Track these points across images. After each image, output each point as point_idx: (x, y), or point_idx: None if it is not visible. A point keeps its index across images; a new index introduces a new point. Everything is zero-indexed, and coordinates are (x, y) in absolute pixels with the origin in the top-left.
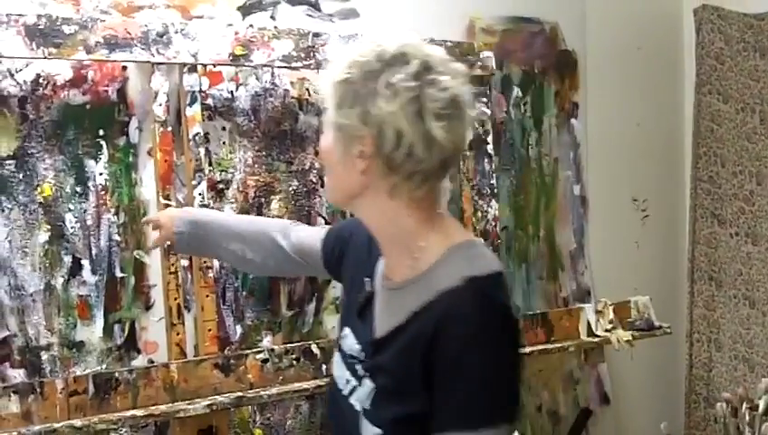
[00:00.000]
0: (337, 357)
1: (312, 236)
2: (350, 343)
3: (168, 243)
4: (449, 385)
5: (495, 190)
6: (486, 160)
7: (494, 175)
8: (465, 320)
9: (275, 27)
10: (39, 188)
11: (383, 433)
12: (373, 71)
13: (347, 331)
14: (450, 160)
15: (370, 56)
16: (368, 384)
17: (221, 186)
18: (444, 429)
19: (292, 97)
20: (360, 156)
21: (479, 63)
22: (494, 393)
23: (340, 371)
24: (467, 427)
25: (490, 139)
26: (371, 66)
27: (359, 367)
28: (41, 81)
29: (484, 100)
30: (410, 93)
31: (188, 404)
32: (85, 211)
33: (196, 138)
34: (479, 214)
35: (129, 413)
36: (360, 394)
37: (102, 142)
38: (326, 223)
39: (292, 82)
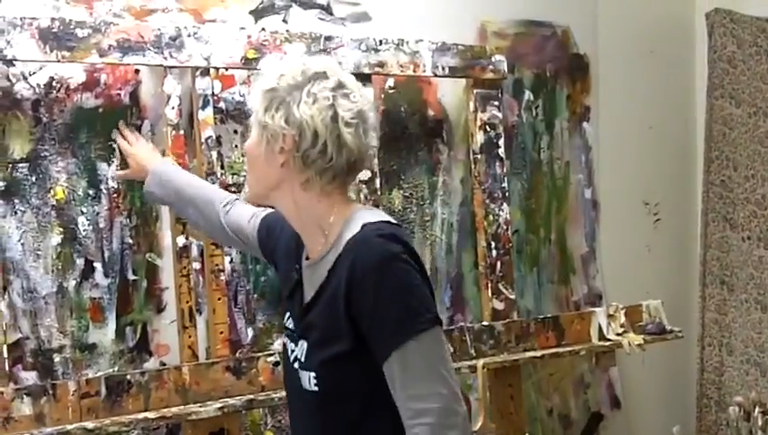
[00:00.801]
0: (285, 336)
1: (245, 217)
2: (290, 321)
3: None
4: (377, 317)
5: (507, 194)
6: (498, 164)
7: (505, 178)
8: (370, 255)
9: (287, 31)
10: (52, 191)
11: (316, 375)
12: (298, 83)
13: (288, 312)
14: (357, 163)
15: (297, 71)
16: (302, 344)
17: (233, 189)
18: (389, 352)
19: None
20: (281, 151)
21: (491, 67)
22: (415, 305)
23: (287, 342)
24: (407, 338)
25: (501, 142)
26: (296, 79)
27: (296, 335)
28: (54, 84)
29: (496, 103)
30: (327, 102)
31: (200, 407)
32: (98, 214)
33: (209, 141)
34: (490, 217)
35: (140, 416)
36: (299, 356)
37: (115, 146)
38: None
39: None
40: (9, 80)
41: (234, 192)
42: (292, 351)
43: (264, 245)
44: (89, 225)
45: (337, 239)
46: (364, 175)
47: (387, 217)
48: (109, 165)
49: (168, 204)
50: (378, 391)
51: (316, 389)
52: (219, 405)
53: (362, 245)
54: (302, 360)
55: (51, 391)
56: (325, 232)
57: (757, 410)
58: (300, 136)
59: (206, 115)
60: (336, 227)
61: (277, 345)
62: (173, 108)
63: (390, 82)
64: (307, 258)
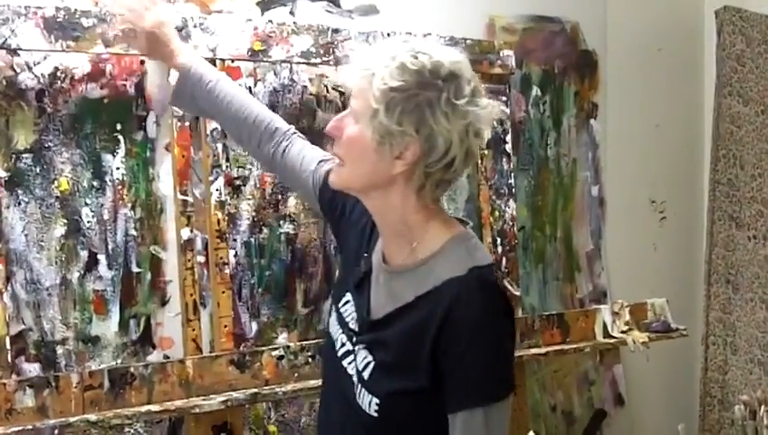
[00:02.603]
0: (334, 317)
1: (310, 162)
2: (349, 309)
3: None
4: (462, 367)
5: (513, 190)
6: (504, 160)
7: (512, 175)
8: (473, 305)
9: (294, 23)
10: (56, 182)
11: (380, 402)
12: (429, 84)
13: (348, 296)
14: None
15: (425, 68)
16: (363, 356)
17: (238, 182)
18: (458, 408)
19: (311, 93)
20: (400, 157)
21: (499, 62)
22: (500, 371)
23: (335, 330)
24: (480, 403)
25: (509, 138)
26: (425, 78)
27: (353, 336)
28: (59, 74)
29: (504, 99)
30: (468, 115)
31: (203, 400)
32: (102, 206)
33: (214, 133)
34: (497, 213)
35: (143, 408)
36: (357, 363)
37: (120, 137)
38: None
39: (310, 79)
40: (13, 69)
41: (239, 185)
42: (343, 344)
43: (328, 205)
44: (93, 216)
45: (429, 260)
46: None
47: (489, 257)
48: (113, 156)
49: (194, 110)
50: (435, 433)
51: (375, 415)
52: (223, 399)
53: (467, 292)
54: (366, 377)
55: (53, 384)
56: (413, 244)
57: (763, 408)
58: (430, 148)
59: None
60: (429, 245)
61: (282, 339)
62: None
63: None
64: (385, 261)
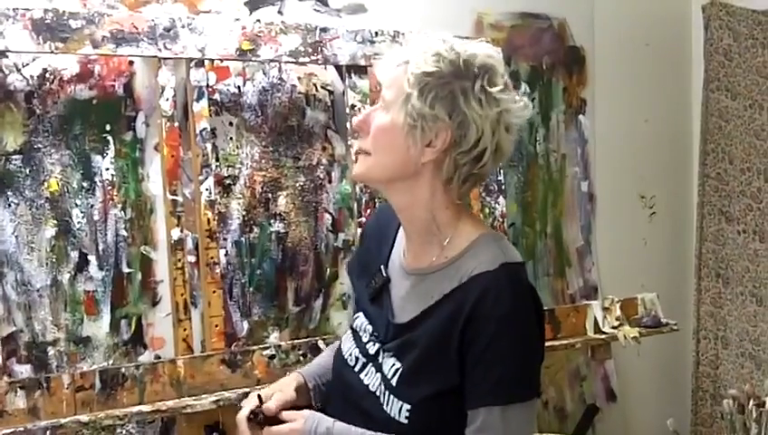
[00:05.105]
0: (348, 334)
1: None
2: (361, 322)
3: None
4: (485, 362)
5: (503, 187)
6: None
7: (501, 171)
8: (501, 300)
9: (283, 22)
10: (45, 184)
11: (410, 408)
12: (464, 74)
13: (360, 314)
14: None
15: (459, 57)
16: (391, 363)
17: (228, 181)
18: (479, 404)
19: (300, 92)
20: (430, 145)
21: None
22: (525, 370)
23: (348, 345)
24: (502, 402)
25: None
26: (459, 68)
27: (370, 346)
28: (47, 75)
29: None
30: (501, 103)
31: (195, 400)
32: (92, 206)
33: (203, 133)
34: (486, 210)
35: (135, 409)
36: (384, 372)
37: (109, 137)
38: (332, 219)
39: (299, 78)
40: (2, 71)
41: (229, 185)
42: (357, 359)
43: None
44: (83, 217)
45: (458, 259)
46: None
47: (518, 255)
48: (103, 157)
49: None
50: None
51: (406, 422)
52: (214, 398)
53: (496, 287)
54: (394, 385)
55: (45, 385)
56: (443, 244)
57: (751, 402)
58: (461, 136)
59: (200, 107)
60: (458, 242)
61: (273, 338)
62: (167, 99)
63: None
64: (409, 264)
